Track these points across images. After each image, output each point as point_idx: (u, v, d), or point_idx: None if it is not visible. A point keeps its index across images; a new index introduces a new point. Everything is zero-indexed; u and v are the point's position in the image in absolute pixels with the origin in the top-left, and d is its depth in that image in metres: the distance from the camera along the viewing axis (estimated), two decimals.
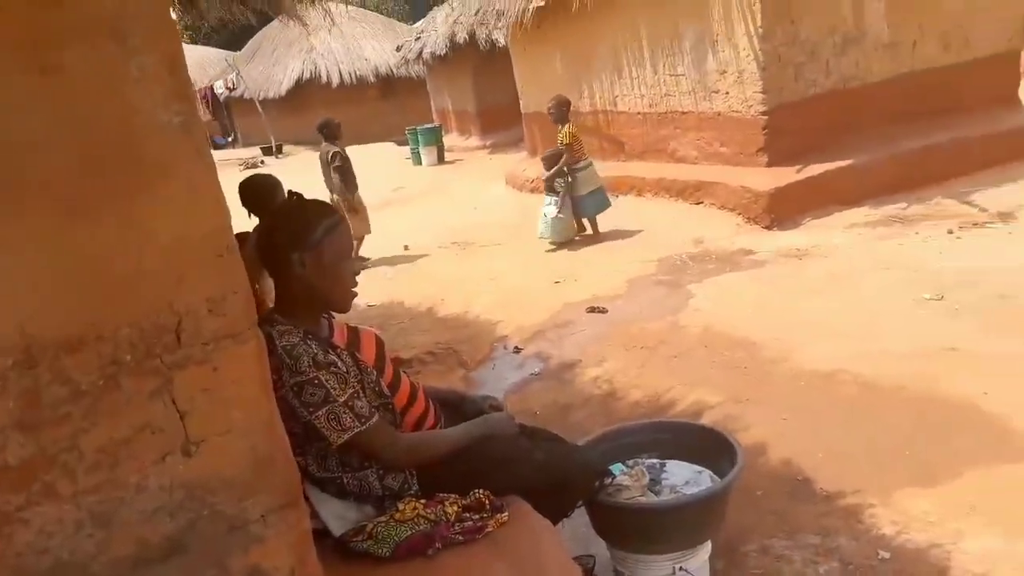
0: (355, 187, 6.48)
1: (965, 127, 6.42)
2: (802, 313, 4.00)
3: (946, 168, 6.03)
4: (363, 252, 6.45)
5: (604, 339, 4.09)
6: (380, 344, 1.77)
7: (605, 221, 6.37)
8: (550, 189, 6.14)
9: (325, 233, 1.55)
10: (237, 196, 3.15)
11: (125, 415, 1.01)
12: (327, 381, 1.48)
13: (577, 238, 6.30)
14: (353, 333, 1.75)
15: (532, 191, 8.15)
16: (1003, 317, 3.52)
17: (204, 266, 1.04)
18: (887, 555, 2.14)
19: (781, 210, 5.57)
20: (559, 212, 6.06)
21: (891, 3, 6.06)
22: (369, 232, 6.57)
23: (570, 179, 6.05)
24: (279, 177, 3.46)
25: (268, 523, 1.13)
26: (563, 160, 6.02)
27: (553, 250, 6.18)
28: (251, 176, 3.54)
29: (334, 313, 1.71)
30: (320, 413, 1.47)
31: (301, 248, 1.53)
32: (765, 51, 5.60)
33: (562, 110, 6.08)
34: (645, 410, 3.22)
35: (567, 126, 6.06)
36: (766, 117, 5.75)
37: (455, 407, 1.93)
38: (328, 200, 4.78)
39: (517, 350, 4.23)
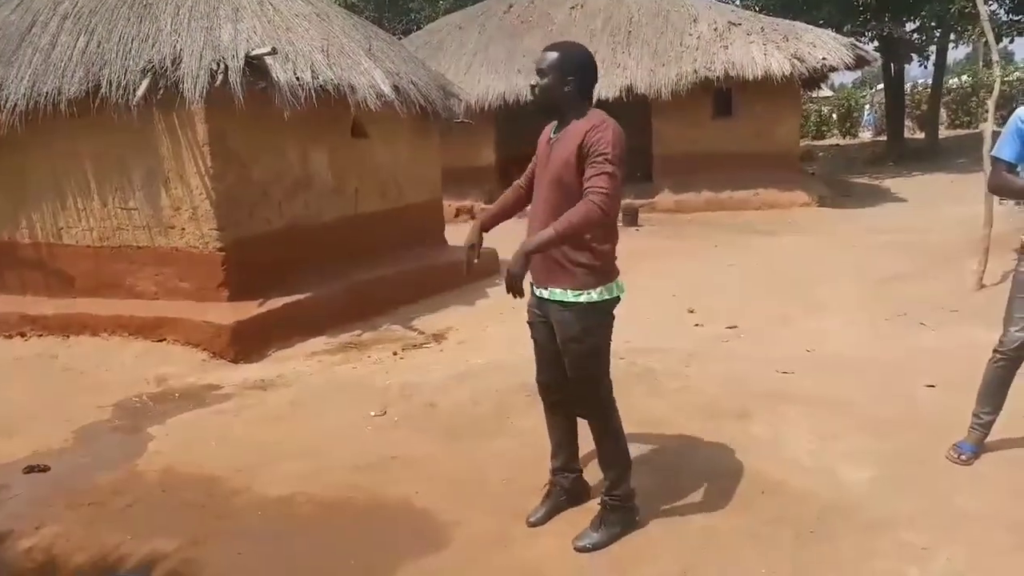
0: None
1: (405, 262, 7.52)
2: (265, 441, 4.09)
3: (392, 297, 6.93)
4: None
5: (44, 501, 3.55)
6: None
7: (50, 365, 5.65)
8: None
9: None
10: None
11: None
12: None
13: None
14: None
15: None
16: (430, 423, 4.13)
17: None
18: None
19: (245, 343, 5.66)
20: None
21: (332, 157, 6.89)
22: None
23: None
24: None
25: None
26: None
27: None
28: None
29: None
30: None
31: None
32: (218, 190, 5.78)
33: None
34: (88, 574, 2.87)
35: None
36: (223, 253, 5.88)
37: None
38: None
39: None
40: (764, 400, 4.15)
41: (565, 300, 2.69)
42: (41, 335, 6.47)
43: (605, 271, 2.71)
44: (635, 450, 3.29)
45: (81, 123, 5.91)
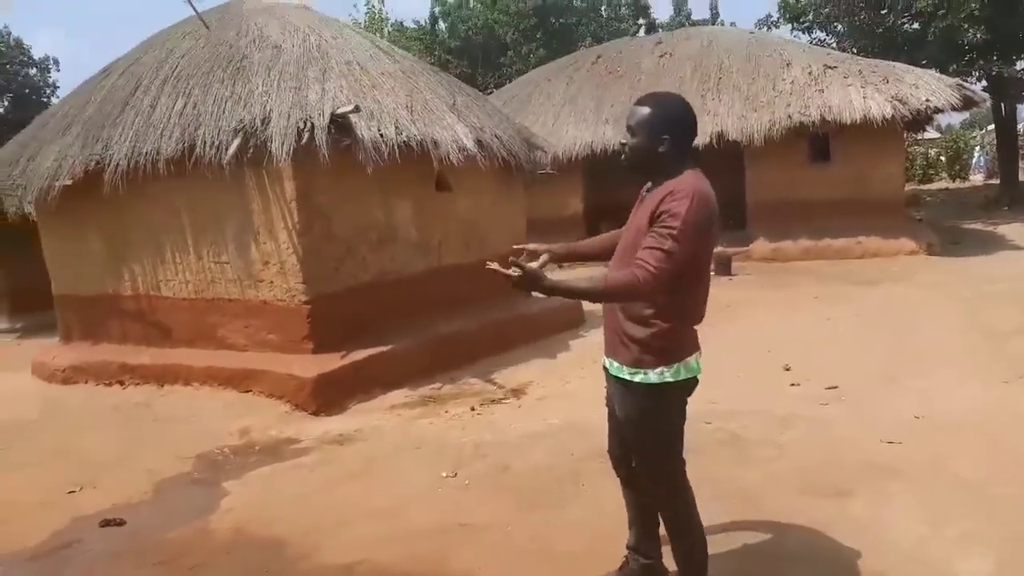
0: None
1: (487, 314, 7.43)
2: (336, 501, 4.02)
3: (473, 350, 6.85)
4: None
5: (115, 557, 3.57)
6: None
7: (143, 414, 5.81)
8: None
9: None
10: None
11: None
12: None
13: None
14: None
15: (63, 382, 7.20)
16: (502, 486, 3.96)
17: None
18: None
19: (327, 395, 5.68)
20: None
21: (416, 210, 6.93)
22: None
23: None
24: None
25: None
26: None
27: None
28: None
29: None
30: None
31: None
32: (303, 245, 5.89)
33: None
34: None
35: None
36: (309, 306, 5.96)
37: None
38: None
39: None
40: (867, 474, 3.79)
41: (620, 376, 2.50)
42: (138, 384, 6.72)
43: (669, 351, 2.43)
44: (718, 528, 3.03)
45: (177, 181, 6.19)
